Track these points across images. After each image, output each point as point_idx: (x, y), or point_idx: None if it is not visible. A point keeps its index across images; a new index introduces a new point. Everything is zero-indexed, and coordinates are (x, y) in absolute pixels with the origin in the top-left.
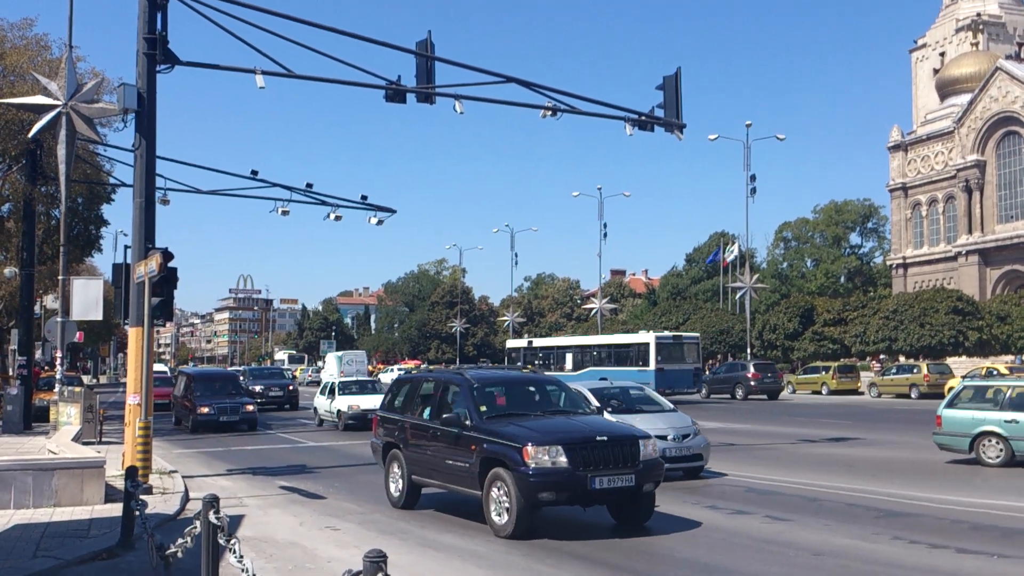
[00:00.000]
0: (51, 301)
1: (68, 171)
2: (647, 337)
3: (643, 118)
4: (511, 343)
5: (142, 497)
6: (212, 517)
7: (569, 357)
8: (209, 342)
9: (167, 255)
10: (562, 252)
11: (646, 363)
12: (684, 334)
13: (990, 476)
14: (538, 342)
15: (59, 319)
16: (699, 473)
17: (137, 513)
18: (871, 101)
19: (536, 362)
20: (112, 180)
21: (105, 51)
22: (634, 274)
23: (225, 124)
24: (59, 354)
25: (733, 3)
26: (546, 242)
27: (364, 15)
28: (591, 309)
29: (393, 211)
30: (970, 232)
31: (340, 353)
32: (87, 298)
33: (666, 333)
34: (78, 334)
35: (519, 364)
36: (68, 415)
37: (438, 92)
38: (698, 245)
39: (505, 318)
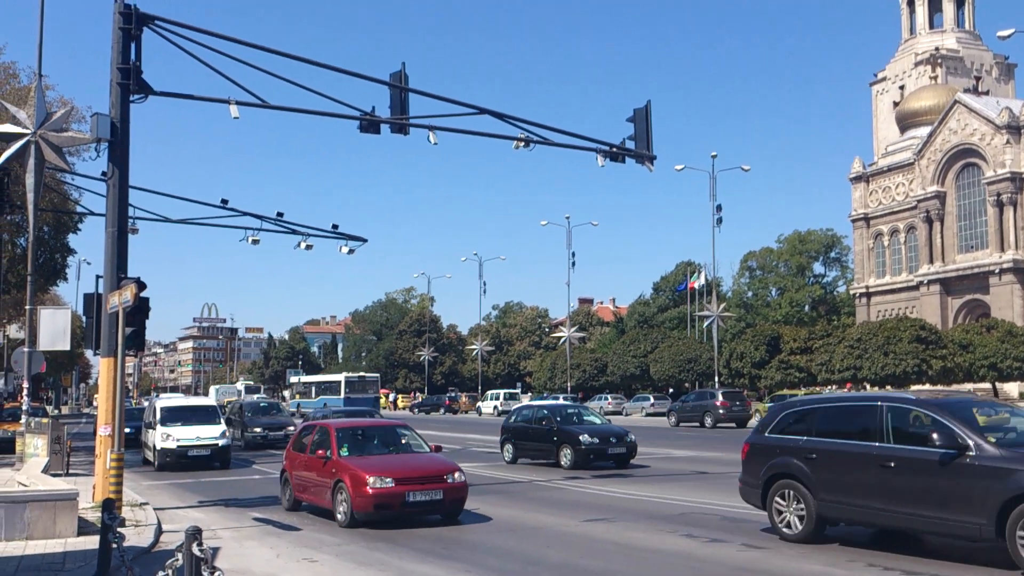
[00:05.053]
0: (15, 330)
1: (36, 200)
2: (340, 376)
3: (615, 150)
4: (293, 378)
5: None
6: (196, 549)
7: (314, 389)
8: (172, 372)
9: (141, 285)
10: (530, 281)
11: (339, 393)
12: (367, 374)
13: None
14: (304, 378)
15: (26, 349)
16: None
17: (115, 546)
18: (833, 133)
19: (302, 391)
20: (80, 208)
21: (74, 78)
22: (602, 303)
23: (196, 153)
24: (26, 384)
25: (700, 38)
26: (515, 271)
27: (339, 46)
28: (560, 337)
29: (364, 240)
30: (931, 262)
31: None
32: (55, 328)
33: (353, 374)
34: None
35: (296, 392)
36: (35, 447)
37: (412, 123)
38: (665, 274)
39: (473, 347)
